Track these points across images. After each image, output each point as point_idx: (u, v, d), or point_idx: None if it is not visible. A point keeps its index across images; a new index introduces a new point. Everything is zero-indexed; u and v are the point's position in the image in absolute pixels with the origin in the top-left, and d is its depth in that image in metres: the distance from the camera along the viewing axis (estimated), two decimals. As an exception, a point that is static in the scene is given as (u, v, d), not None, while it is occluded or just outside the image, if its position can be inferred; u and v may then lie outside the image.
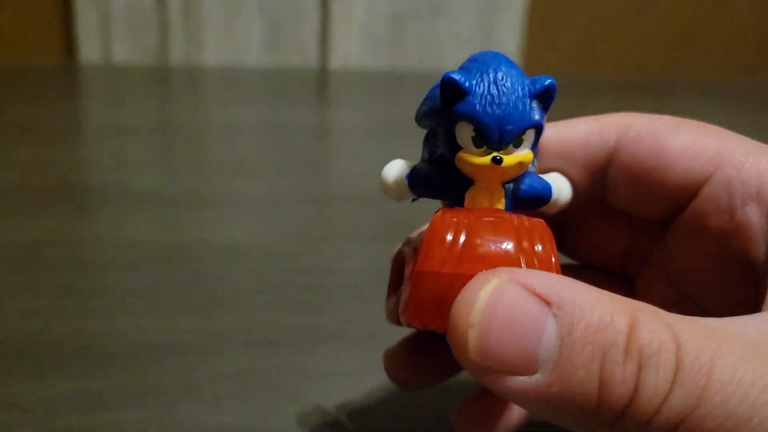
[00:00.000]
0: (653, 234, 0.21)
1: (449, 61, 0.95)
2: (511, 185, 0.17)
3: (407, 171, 0.18)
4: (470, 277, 0.14)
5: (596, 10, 0.98)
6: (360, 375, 0.27)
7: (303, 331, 0.30)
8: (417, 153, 0.18)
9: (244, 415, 0.25)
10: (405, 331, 0.21)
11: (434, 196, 0.18)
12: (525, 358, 0.13)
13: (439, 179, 0.17)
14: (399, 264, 0.19)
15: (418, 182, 0.18)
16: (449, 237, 0.15)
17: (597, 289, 0.13)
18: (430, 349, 0.21)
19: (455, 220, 0.16)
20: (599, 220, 0.22)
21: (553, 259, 0.15)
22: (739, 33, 1.02)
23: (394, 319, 0.18)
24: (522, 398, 0.13)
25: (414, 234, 0.20)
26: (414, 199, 0.18)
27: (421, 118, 0.18)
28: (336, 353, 0.29)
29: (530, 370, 0.13)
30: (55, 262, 0.35)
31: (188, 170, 0.52)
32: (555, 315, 0.13)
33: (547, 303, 0.13)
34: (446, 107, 0.16)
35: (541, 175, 0.19)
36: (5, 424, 0.24)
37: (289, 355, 0.29)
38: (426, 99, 0.17)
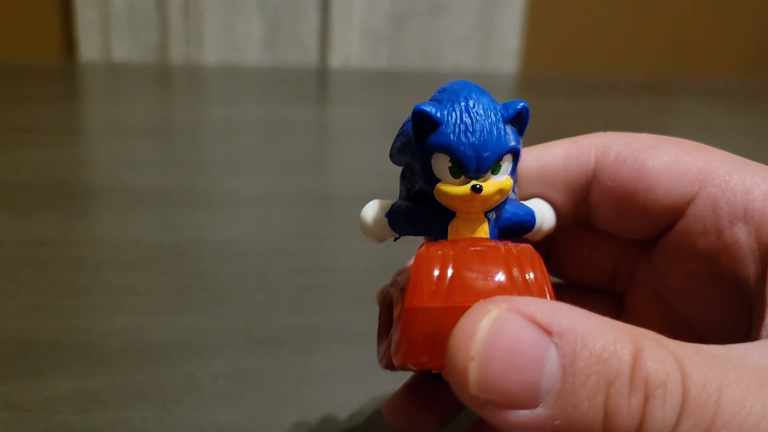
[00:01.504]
0: (640, 252, 0.20)
1: (449, 59, 0.95)
2: (493, 214, 0.17)
3: (386, 210, 0.18)
4: (463, 309, 0.13)
5: (596, 9, 0.98)
6: (359, 374, 0.27)
7: (302, 331, 0.30)
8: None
9: (243, 415, 0.25)
10: (398, 376, 0.21)
11: (416, 233, 0.18)
12: (527, 391, 0.12)
13: (420, 215, 0.17)
14: (387, 306, 0.19)
15: (398, 220, 0.17)
16: (436, 271, 0.15)
17: (598, 316, 0.13)
18: (429, 394, 0.21)
19: (440, 252, 0.15)
20: (584, 239, 0.21)
21: (546, 287, 0.15)
22: (739, 33, 1.02)
23: (387, 363, 0.17)
24: None
25: (399, 275, 0.20)
26: (396, 238, 0.18)
27: (396, 154, 0.17)
28: (335, 353, 0.29)
29: (533, 402, 0.12)
30: (54, 262, 0.35)
31: (188, 169, 0.52)
32: (557, 345, 0.12)
33: (548, 332, 0.12)
34: (420, 140, 0.16)
35: (522, 202, 0.18)
36: (4, 424, 0.23)
37: (289, 354, 0.29)
38: (399, 135, 0.17)
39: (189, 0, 0.87)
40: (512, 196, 0.18)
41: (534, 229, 0.18)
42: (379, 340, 0.19)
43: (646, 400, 0.12)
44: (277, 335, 0.30)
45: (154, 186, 0.47)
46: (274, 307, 0.32)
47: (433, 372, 0.16)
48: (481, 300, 0.13)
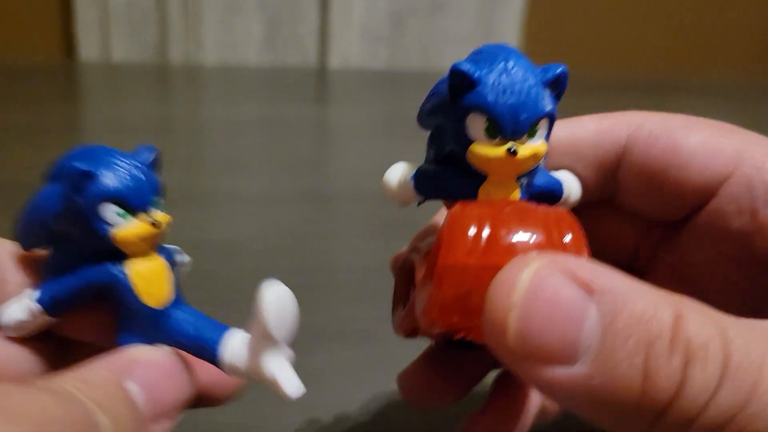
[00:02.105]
0: (663, 234, 0.20)
1: (448, 59, 0.95)
2: (525, 180, 0.17)
3: (412, 173, 0.17)
4: (499, 269, 0.13)
5: (596, 8, 0.98)
6: (359, 373, 0.27)
7: (302, 330, 0.30)
8: (417, 152, 0.18)
9: (242, 415, 0.25)
10: (411, 347, 0.21)
11: (444, 197, 0.17)
12: (566, 346, 0.12)
13: (449, 178, 0.16)
14: (405, 273, 0.19)
15: (425, 183, 0.17)
16: (473, 229, 0.14)
17: (638, 280, 0.12)
18: (446, 365, 0.20)
19: (477, 211, 0.15)
20: (607, 218, 0.21)
21: (585, 249, 0.14)
22: (740, 32, 1.02)
23: (407, 329, 0.17)
24: (560, 390, 0.12)
25: (421, 240, 0.19)
26: (420, 203, 0.18)
27: (426, 116, 0.17)
28: (336, 352, 0.29)
29: (571, 359, 0.12)
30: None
31: (187, 168, 0.52)
32: (597, 303, 0.12)
33: (589, 290, 0.12)
34: (456, 99, 0.15)
35: (550, 173, 0.18)
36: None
37: (289, 353, 0.29)
38: (430, 96, 0.17)
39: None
40: (542, 163, 0.17)
41: (560, 201, 0.18)
42: (395, 308, 0.19)
43: (687, 362, 0.11)
44: (277, 334, 0.30)
45: (153, 185, 0.47)
46: (274, 307, 0.32)
47: (458, 338, 0.15)
48: (527, 254, 0.13)
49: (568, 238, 0.14)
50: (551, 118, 0.16)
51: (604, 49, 1.00)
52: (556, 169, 0.19)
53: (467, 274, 0.14)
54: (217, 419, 0.24)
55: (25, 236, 0.16)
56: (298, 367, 0.29)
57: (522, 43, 0.96)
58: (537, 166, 0.16)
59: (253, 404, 0.25)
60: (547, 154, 0.17)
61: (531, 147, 0.15)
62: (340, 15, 0.90)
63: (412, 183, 0.17)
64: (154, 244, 0.16)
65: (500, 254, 0.14)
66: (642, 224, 0.20)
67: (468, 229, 0.14)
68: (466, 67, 0.15)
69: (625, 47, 1.01)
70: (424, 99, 0.17)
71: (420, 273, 0.16)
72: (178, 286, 0.17)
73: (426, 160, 0.17)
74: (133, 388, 0.14)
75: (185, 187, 0.47)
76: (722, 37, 1.02)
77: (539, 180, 0.17)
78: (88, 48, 0.86)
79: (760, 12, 1.02)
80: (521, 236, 0.14)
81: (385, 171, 0.17)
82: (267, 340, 0.15)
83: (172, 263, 0.17)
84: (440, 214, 0.21)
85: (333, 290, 0.34)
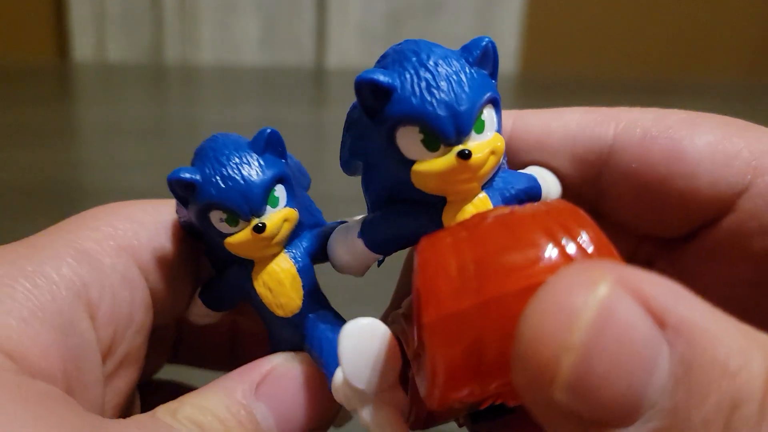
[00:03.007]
0: (660, 250, 0.17)
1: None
2: (493, 190, 0.13)
3: (358, 230, 0.14)
4: (508, 298, 0.10)
5: (595, 8, 0.98)
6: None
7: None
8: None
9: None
10: None
11: (405, 244, 0.14)
12: (629, 402, 0.09)
13: (403, 218, 0.13)
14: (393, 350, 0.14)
15: (377, 236, 0.14)
16: (453, 262, 0.11)
17: (720, 311, 0.09)
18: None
19: (449, 240, 0.11)
20: None
21: (614, 249, 0.11)
22: (739, 33, 1.02)
23: (419, 421, 0.14)
24: None
25: (403, 303, 0.15)
26: (380, 262, 0.14)
27: (349, 157, 0.14)
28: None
29: (630, 419, 0.09)
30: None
31: (183, 170, 0.52)
32: (670, 343, 0.09)
33: (662, 324, 0.09)
34: (375, 119, 0.12)
35: (518, 171, 0.15)
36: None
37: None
38: (345, 133, 0.14)
39: (184, -1, 0.86)
40: (504, 163, 0.14)
41: (541, 199, 0.15)
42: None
43: None
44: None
45: (148, 187, 0.46)
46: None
47: (486, 407, 0.12)
48: (577, 265, 0.09)
49: (583, 237, 0.11)
50: (495, 102, 0.13)
51: (603, 49, 1.00)
52: (524, 165, 0.16)
53: (467, 322, 0.10)
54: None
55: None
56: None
57: (520, 44, 0.96)
58: (500, 167, 0.13)
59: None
60: (505, 153, 0.14)
61: (484, 143, 0.12)
62: (337, 15, 0.90)
63: (361, 243, 0.14)
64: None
65: (502, 281, 0.10)
66: (632, 238, 0.17)
67: (446, 266, 0.11)
68: (373, 74, 0.12)
69: (623, 48, 1.00)
70: (340, 143, 0.14)
71: (411, 346, 0.13)
72: (315, 287, 0.16)
73: (369, 210, 0.14)
74: (261, 411, 0.14)
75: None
76: (721, 38, 1.02)
77: (509, 181, 0.14)
78: (82, 48, 0.86)
79: (758, 13, 1.01)
80: (520, 250, 0.11)
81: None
82: (350, 388, 0.13)
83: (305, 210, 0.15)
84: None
85: (329, 293, 0.34)
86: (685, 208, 0.15)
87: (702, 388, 0.09)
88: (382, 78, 0.12)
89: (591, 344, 0.09)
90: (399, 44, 0.13)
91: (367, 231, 0.14)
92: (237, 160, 0.14)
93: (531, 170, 0.15)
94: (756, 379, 0.09)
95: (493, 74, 0.13)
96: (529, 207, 0.12)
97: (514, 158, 0.16)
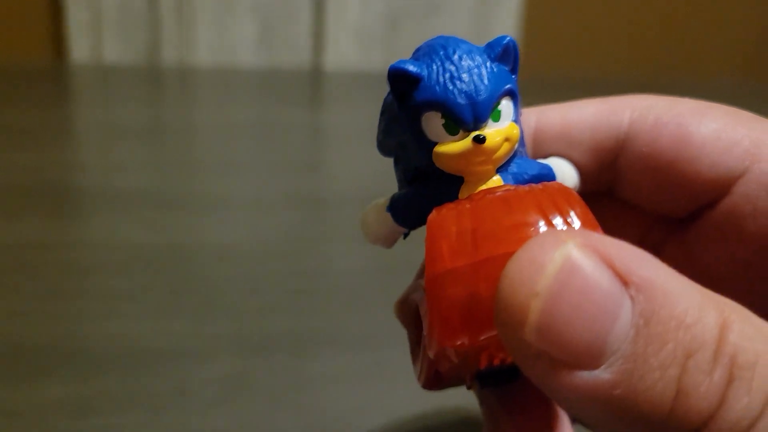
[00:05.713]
0: (669, 230, 0.18)
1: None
2: (507, 174, 0.15)
3: (387, 204, 0.15)
4: (498, 259, 0.11)
5: (594, 9, 0.98)
6: (354, 379, 0.27)
7: (296, 335, 0.30)
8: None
9: (236, 420, 0.24)
10: (392, 385, 0.20)
11: (424, 218, 0.15)
12: (592, 346, 0.10)
13: (425, 196, 0.15)
14: (412, 317, 0.17)
15: (402, 210, 0.15)
16: (453, 228, 0.13)
17: (680, 274, 0.11)
18: None
19: (454, 211, 0.13)
20: (604, 211, 0.19)
21: (598, 227, 0.12)
22: (737, 34, 1.03)
23: (428, 380, 0.15)
24: (575, 398, 0.10)
25: (421, 278, 0.17)
26: (406, 235, 0.16)
27: (383, 139, 0.15)
28: (330, 357, 0.29)
29: (594, 362, 0.10)
30: (45, 265, 0.35)
31: (180, 172, 0.52)
32: (632, 298, 0.10)
33: (625, 282, 0.10)
34: (403, 104, 0.14)
35: (538, 160, 0.16)
36: (-8, 431, 0.23)
37: (283, 359, 0.28)
38: (381, 117, 0.15)
39: (181, 0, 0.86)
40: (522, 152, 0.16)
41: None
42: (414, 359, 0.17)
43: (730, 381, 0.10)
44: (271, 339, 0.29)
45: (146, 189, 0.46)
46: (268, 311, 0.32)
47: (485, 366, 0.14)
48: (551, 230, 0.11)
49: (572, 215, 0.12)
50: (513, 95, 0.14)
51: (601, 50, 1.00)
52: (547, 156, 0.17)
53: (461, 278, 0.12)
54: (210, 425, 0.24)
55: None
56: (292, 372, 0.29)
57: (518, 45, 0.96)
58: (515, 154, 0.15)
59: (246, 409, 0.25)
60: (523, 141, 0.15)
61: (499, 131, 0.14)
62: (334, 16, 0.90)
63: (389, 215, 0.15)
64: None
65: (495, 245, 0.12)
66: (644, 219, 0.19)
67: (449, 231, 0.13)
68: (404, 64, 0.14)
69: (621, 48, 1.01)
70: (377, 126, 0.16)
71: (422, 306, 0.14)
72: None
73: (398, 188, 0.16)
74: None
75: (177, 190, 0.47)
76: (720, 39, 1.03)
77: (523, 168, 0.15)
78: (79, 49, 0.86)
79: (757, 13, 1.02)
80: (514, 222, 0.12)
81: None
82: None
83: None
84: None
85: (327, 295, 0.34)
86: (688, 189, 0.16)
87: (660, 336, 0.10)
88: (411, 68, 0.14)
89: (555, 291, 0.10)
90: (431, 39, 0.15)
91: (394, 205, 0.15)
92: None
93: (549, 161, 0.17)
94: (710, 330, 0.10)
95: (514, 69, 0.14)
96: (528, 187, 0.13)
97: (539, 151, 0.18)
